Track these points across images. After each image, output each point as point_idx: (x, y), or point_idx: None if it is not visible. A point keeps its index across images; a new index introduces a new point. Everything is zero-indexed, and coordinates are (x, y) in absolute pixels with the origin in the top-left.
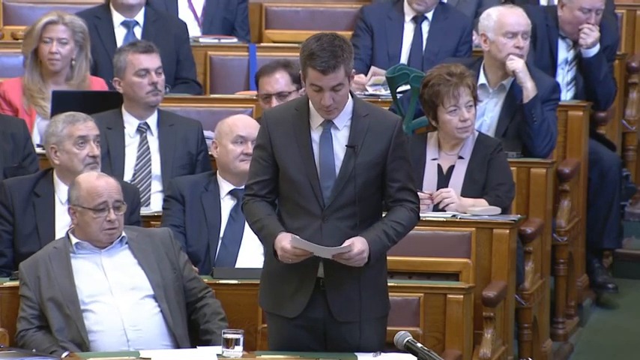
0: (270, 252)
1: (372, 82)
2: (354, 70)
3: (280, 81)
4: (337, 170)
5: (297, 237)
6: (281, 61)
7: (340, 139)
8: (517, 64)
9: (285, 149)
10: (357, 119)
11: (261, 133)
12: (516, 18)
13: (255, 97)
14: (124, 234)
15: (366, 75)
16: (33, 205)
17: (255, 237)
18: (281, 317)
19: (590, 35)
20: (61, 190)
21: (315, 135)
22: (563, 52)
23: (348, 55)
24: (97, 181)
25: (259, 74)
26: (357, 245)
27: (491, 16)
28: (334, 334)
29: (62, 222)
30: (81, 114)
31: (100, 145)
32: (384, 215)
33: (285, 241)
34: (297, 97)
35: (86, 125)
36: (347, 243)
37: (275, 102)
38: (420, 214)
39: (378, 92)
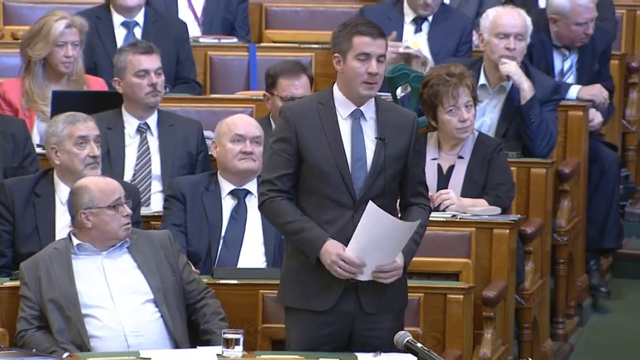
0: (309, 254)
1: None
2: None
3: (304, 84)
4: (369, 161)
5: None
6: (299, 64)
7: (367, 130)
8: (509, 68)
9: (313, 141)
10: (381, 112)
11: (285, 127)
12: (510, 19)
13: (254, 97)
14: None
15: None
16: (33, 205)
17: (257, 237)
18: (308, 312)
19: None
20: (62, 191)
21: (345, 126)
22: (558, 63)
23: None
24: (106, 180)
25: (279, 73)
26: (398, 262)
27: (489, 16)
28: (361, 327)
29: (62, 222)
30: (81, 114)
31: (100, 146)
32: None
33: (340, 249)
34: (319, 92)
35: (86, 125)
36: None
37: None
38: None
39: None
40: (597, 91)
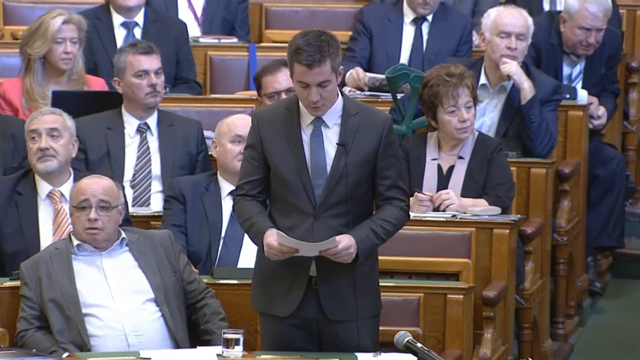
0: (260, 249)
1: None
2: (341, 67)
3: (286, 79)
4: (328, 169)
5: (284, 234)
6: (281, 60)
7: (331, 137)
8: (510, 68)
9: (276, 148)
10: (347, 117)
11: (252, 133)
12: (512, 19)
13: (255, 97)
14: (124, 235)
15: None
16: (16, 204)
17: None
18: (273, 317)
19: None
20: (41, 187)
21: (306, 134)
22: (567, 69)
23: (334, 50)
24: (84, 181)
25: (261, 74)
26: (344, 241)
27: (490, 16)
28: (328, 333)
29: (45, 219)
30: (50, 108)
31: (58, 138)
32: (373, 213)
33: (271, 237)
34: (287, 97)
35: (39, 119)
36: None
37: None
38: (420, 214)
39: (377, 84)
40: (594, 107)
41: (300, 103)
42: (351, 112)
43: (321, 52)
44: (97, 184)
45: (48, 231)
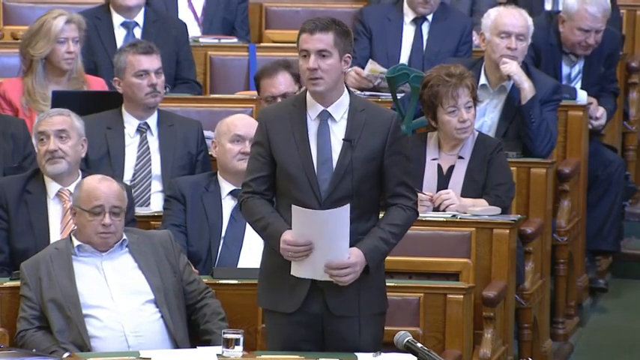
0: (276, 250)
1: (369, 71)
2: (347, 55)
3: (284, 82)
4: (334, 164)
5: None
6: (281, 62)
7: (337, 132)
8: (510, 68)
9: (283, 144)
10: (353, 113)
11: (259, 131)
12: (512, 19)
13: (255, 97)
14: (124, 237)
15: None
16: (25, 203)
17: (257, 237)
18: (279, 314)
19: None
20: (50, 187)
21: (313, 128)
22: (566, 69)
23: (342, 31)
24: (97, 184)
25: (260, 76)
26: (351, 259)
27: (490, 16)
28: (332, 330)
29: (54, 218)
30: (58, 109)
31: (67, 139)
32: (380, 216)
33: (287, 235)
34: (295, 94)
35: (47, 121)
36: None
37: None
38: (420, 214)
39: (377, 81)
40: (593, 108)
41: (307, 98)
42: (358, 109)
43: (326, 24)
44: (109, 189)
45: (57, 229)
